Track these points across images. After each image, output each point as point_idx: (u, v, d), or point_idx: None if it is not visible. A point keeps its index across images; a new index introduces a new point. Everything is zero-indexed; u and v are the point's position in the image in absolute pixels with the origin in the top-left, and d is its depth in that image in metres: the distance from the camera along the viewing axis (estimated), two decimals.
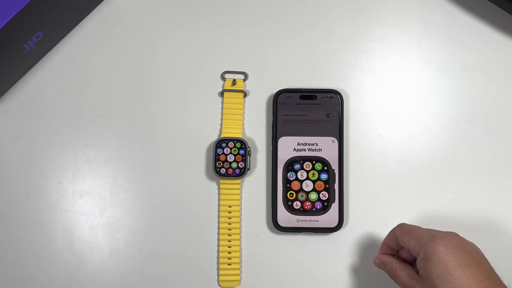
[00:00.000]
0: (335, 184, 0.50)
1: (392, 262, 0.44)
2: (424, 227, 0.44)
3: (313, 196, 0.50)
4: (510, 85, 0.52)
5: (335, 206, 0.50)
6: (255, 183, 0.51)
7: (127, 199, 0.51)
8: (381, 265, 0.45)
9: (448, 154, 0.52)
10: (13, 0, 0.43)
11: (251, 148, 0.51)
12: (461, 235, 0.42)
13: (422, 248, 0.40)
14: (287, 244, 0.50)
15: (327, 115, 0.51)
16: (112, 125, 0.52)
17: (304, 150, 0.50)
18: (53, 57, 0.53)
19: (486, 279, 0.38)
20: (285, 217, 0.50)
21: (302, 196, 0.50)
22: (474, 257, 0.39)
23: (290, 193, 0.50)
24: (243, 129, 0.52)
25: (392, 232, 0.44)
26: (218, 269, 0.50)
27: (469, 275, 0.38)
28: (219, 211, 0.51)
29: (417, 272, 0.41)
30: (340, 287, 0.50)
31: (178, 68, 0.53)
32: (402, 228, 0.43)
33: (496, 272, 0.40)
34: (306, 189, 0.50)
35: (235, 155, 0.50)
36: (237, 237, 0.50)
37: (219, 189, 0.51)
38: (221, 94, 0.52)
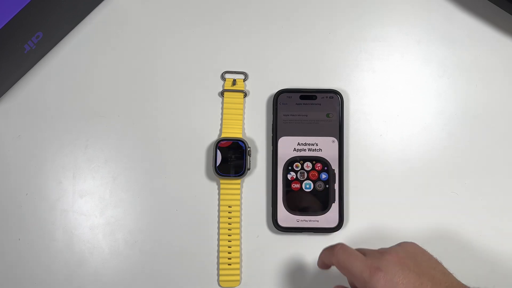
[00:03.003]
0: (335, 184, 0.50)
1: None
2: (365, 249, 0.42)
3: (313, 196, 0.50)
4: (510, 85, 0.52)
5: (335, 206, 0.50)
6: (255, 183, 0.51)
7: (127, 199, 0.51)
8: None
9: (448, 154, 0.52)
10: (13, 0, 0.43)
11: (251, 148, 0.51)
12: (409, 242, 0.42)
13: (363, 286, 0.39)
14: (287, 244, 0.50)
15: (327, 115, 0.51)
16: (112, 125, 0.52)
17: (304, 150, 0.50)
18: (53, 57, 0.53)
19: None
20: (285, 217, 0.50)
21: (302, 196, 0.50)
22: (415, 273, 0.38)
23: (290, 193, 0.50)
24: (243, 129, 0.52)
25: (329, 256, 0.42)
26: (218, 269, 0.50)
27: None
28: (219, 211, 0.51)
29: None
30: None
31: (178, 68, 0.53)
32: (338, 260, 0.41)
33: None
34: (306, 189, 0.50)
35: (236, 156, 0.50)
36: (237, 237, 0.50)
37: (219, 189, 0.51)
38: (221, 94, 0.52)
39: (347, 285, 0.42)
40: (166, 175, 0.51)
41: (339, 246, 0.41)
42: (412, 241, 0.42)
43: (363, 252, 0.42)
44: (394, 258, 0.39)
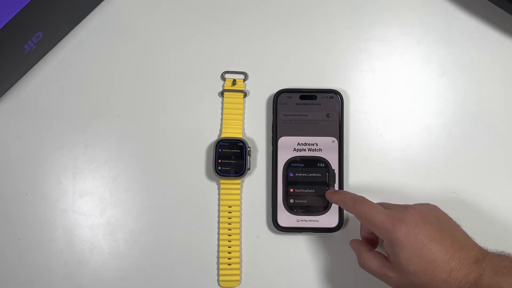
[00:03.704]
0: (335, 184, 0.50)
1: (362, 250, 0.44)
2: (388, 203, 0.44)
3: (313, 196, 0.50)
4: (510, 85, 0.52)
5: (335, 206, 0.50)
6: (255, 183, 0.51)
7: (127, 199, 0.51)
8: (354, 251, 0.45)
9: (448, 154, 0.52)
10: (13, 0, 0.43)
11: (251, 148, 0.51)
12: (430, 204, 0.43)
13: (385, 235, 0.40)
14: (287, 244, 0.50)
15: (327, 115, 0.51)
16: (112, 125, 0.52)
17: (304, 150, 0.50)
18: (53, 57, 0.53)
19: (450, 247, 0.38)
20: (285, 217, 0.50)
21: (302, 196, 0.50)
22: (436, 229, 0.40)
23: (290, 193, 0.50)
24: (243, 129, 0.52)
25: (350, 207, 0.44)
26: (218, 269, 0.50)
27: (434, 251, 0.38)
28: (219, 211, 0.51)
29: (387, 256, 0.41)
30: (340, 287, 0.50)
31: (178, 68, 0.53)
32: (360, 212, 0.42)
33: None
34: (306, 189, 0.50)
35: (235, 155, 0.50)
36: (237, 237, 0.50)
37: (219, 189, 0.51)
38: (221, 94, 0.52)
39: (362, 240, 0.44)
40: (166, 175, 0.51)
41: (361, 200, 0.43)
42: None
43: (385, 205, 0.43)
44: (417, 212, 0.41)
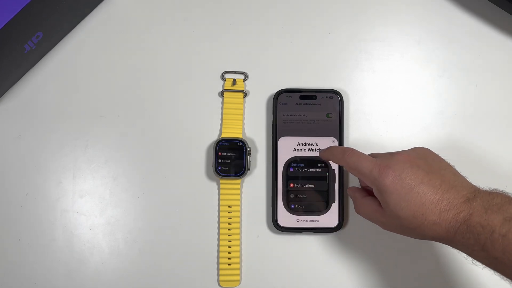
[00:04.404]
0: (335, 184, 0.50)
1: (357, 197, 0.44)
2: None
3: (313, 196, 0.50)
4: (510, 85, 0.52)
5: (335, 206, 0.50)
6: (255, 183, 0.51)
7: (127, 199, 0.51)
8: (351, 198, 0.46)
9: (448, 154, 0.51)
10: (13, 0, 0.43)
11: (251, 148, 0.51)
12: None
13: (373, 183, 0.40)
14: (287, 244, 0.50)
15: (327, 115, 0.51)
16: (112, 125, 0.52)
17: (304, 150, 0.50)
18: (53, 57, 0.53)
19: (439, 188, 0.38)
20: (285, 217, 0.50)
21: (302, 196, 0.50)
22: (424, 172, 0.39)
23: (290, 193, 0.50)
24: (243, 129, 0.52)
25: (338, 159, 0.44)
26: (218, 269, 0.50)
27: (423, 194, 0.38)
28: (219, 211, 0.51)
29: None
30: (340, 287, 0.50)
31: (178, 68, 0.53)
32: (348, 162, 0.43)
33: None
34: (306, 189, 0.50)
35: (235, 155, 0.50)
36: (237, 237, 0.50)
37: (219, 189, 0.51)
38: (221, 94, 0.52)
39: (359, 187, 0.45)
40: (166, 175, 0.51)
41: (349, 151, 0.43)
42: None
43: (375, 155, 0.43)
44: (404, 158, 0.40)
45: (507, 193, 0.38)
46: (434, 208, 0.38)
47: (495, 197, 0.37)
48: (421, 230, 0.38)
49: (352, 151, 0.43)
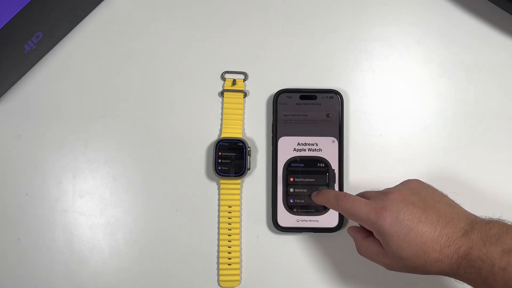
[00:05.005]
0: (335, 184, 0.50)
1: (358, 238, 0.44)
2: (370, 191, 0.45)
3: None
4: (510, 85, 0.52)
5: None
6: (255, 183, 0.51)
7: (127, 199, 0.51)
8: (352, 238, 0.46)
9: (448, 154, 0.52)
10: (13, 0, 0.43)
11: (251, 148, 0.51)
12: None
13: (372, 227, 0.41)
14: (287, 244, 0.50)
15: (327, 115, 0.51)
16: (112, 125, 0.52)
17: (304, 150, 0.50)
18: (53, 57, 0.53)
19: (437, 224, 0.38)
20: (285, 217, 0.50)
21: (302, 196, 0.50)
22: (420, 209, 0.39)
23: (290, 193, 0.50)
24: (243, 129, 0.52)
25: (334, 206, 0.44)
26: (218, 269, 0.50)
27: (422, 233, 0.38)
28: (219, 211, 0.51)
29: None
30: (340, 287, 0.50)
31: (178, 68, 0.53)
32: (344, 209, 0.43)
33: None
34: (306, 189, 0.50)
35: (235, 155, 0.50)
36: (237, 237, 0.50)
37: (219, 189, 0.51)
38: (221, 94, 0.52)
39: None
40: (166, 175, 0.51)
41: (343, 196, 0.43)
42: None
43: (367, 195, 0.43)
44: (397, 197, 0.41)
45: (504, 220, 0.38)
46: (435, 246, 0.38)
47: (492, 227, 0.37)
48: (425, 268, 0.39)
49: (345, 196, 0.43)
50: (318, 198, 0.47)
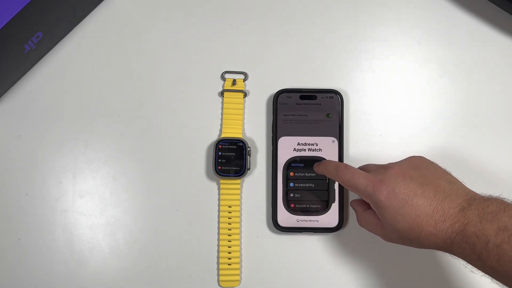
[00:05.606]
0: (335, 184, 0.50)
1: (358, 211, 0.45)
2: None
3: (313, 196, 0.50)
4: (510, 85, 0.52)
5: (335, 206, 0.50)
6: (255, 183, 0.51)
7: (127, 199, 0.51)
8: (354, 210, 0.47)
9: (448, 154, 0.52)
10: (13, 0, 0.43)
11: (251, 148, 0.51)
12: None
13: (369, 199, 0.41)
14: (287, 244, 0.50)
15: (327, 115, 0.51)
16: (112, 125, 0.52)
17: (304, 150, 0.50)
18: (53, 57, 0.53)
19: (433, 199, 0.39)
20: (285, 217, 0.50)
21: (302, 196, 0.50)
22: (418, 183, 0.40)
23: (290, 193, 0.50)
24: (243, 129, 0.52)
25: (334, 176, 0.45)
26: (218, 269, 0.50)
27: (417, 207, 0.39)
28: (219, 211, 0.51)
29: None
30: (340, 287, 0.50)
31: (178, 68, 0.53)
32: (344, 180, 0.43)
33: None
34: (306, 189, 0.50)
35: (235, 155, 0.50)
36: (237, 237, 0.50)
37: (219, 189, 0.51)
38: (221, 94, 0.52)
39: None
40: (166, 175, 0.51)
41: (343, 167, 0.43)
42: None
43: (368, 168, 0.44)
44: (396, 171, 0.41)
45: (503, 198, 0.38)
46: (430, 220, 0.38)
47: (490, 204, 0.37)
48: (419, 241, 0.39)
49: (346, 167, 0.43)
50: (319, 168, 0.47)
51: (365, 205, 0.45)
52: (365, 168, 0.45)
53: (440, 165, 0.43)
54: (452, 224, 0.37)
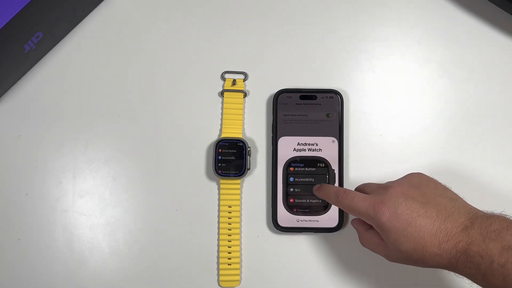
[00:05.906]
0: (335, 184, 0.50)
1: (360, 230, 0.45)
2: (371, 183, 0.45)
3: (313, 196, 0.50)
4: (510, 85, 0.52)
5: (335, 206, 0.50)
6: (255, 183, 0.51)
7: (127, 199, 0.51)
8: (356, 230, 0.46)
9: (448, 154, 0.52)
10: (13, 0, 0.43)
11: (251, 148, 0.51)
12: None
13: (371, 222, 0.41)
14: (287, 244, 0.50)
15: (327, 115, 0.51)
16: (112, 125, 0.52)
17: (304, 150, 0.50)
18: (53, 57, 0.53)
19: (436, 219, 0.38)
20: (285, 217, 0.50)
21: (302, 196, 0.50)
22: (419, 203, 0.39)
23: (290, 193, 0.50)
24: (243, 129, 0.52)
25: (334, 202, 0.45)
26: (218, 269, 0.50)
27: (420, 228, 0.38)
28: (219, 211, 0.51)
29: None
30: (340, 287, 0.50)
31: (178, 68, 0.53)
32: (344, 206, 0.43)
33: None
34: (306, 189, 0.50)
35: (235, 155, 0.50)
36: (237, 237, 0.50)
37: (219, 189, 0.51)
38: (221, 94, 0.52)
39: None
40: (166, 175, 0.51)
41: (342, 192, 0.43)
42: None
43: (369, 188, 0.44)
44: (397, 191, 0.41)
45: (506, 215, 0.38)
46: (433, 240, 0.38)
47: (492, 222, 0.37)
48: (424, 261, 0.39)
49: (345, 192, 0.43)
50: (319, 193, 0.47)
51: (366, 225, 0.44)
52: (364, 188, 0.45)
53: (440, 180, 0.43)
54: (456, 244, 0.37)
